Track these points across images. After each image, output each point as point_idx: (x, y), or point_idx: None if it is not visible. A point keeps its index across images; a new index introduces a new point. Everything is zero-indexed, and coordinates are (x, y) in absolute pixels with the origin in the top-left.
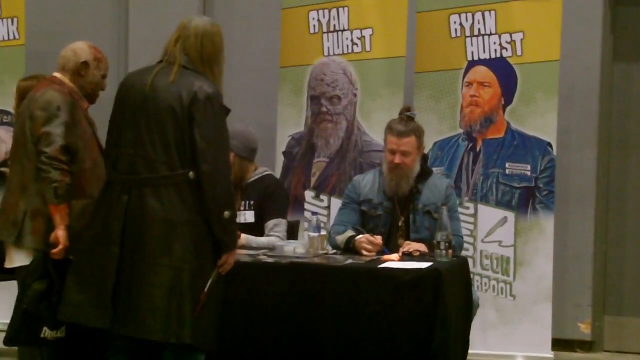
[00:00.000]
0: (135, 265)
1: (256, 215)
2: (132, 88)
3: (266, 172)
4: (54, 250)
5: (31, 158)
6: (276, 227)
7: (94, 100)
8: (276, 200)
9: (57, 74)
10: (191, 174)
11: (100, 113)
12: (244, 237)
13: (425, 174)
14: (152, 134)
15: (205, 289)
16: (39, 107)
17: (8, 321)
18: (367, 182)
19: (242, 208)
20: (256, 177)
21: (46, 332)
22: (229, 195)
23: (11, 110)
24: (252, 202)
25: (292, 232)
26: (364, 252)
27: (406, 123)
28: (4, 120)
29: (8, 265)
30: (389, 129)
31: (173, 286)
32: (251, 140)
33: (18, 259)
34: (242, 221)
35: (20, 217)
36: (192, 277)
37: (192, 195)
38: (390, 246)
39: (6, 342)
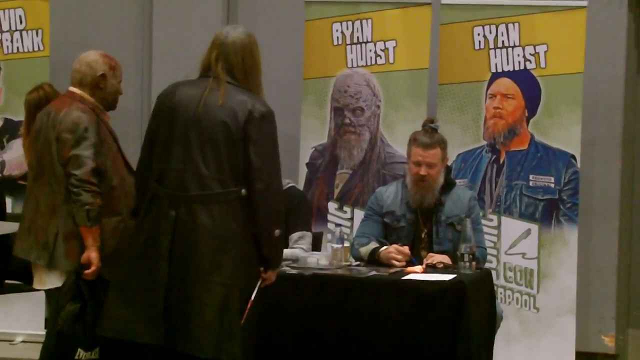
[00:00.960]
0: (185, 282)
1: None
2: (181, 102)
3: (290, 184)
4: (86, 272)
5: (60, 180)
6: (301, 239)
7: (115, 107)
8: (301, 212)
9: (75, 90)
10: (243, 191)
11: (122, 121)
12: None
13: (448, 185)
14: (205, 150)
15: (249, 304)
16: (65, 129)
17: (30, 331)
18: (389, 194)
19: None
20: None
21: (81, 354)
22: (280, 213)
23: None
24: None
25: (315, 244)
26: (394, 263)
27: (431, 135)
28: None
29: (39, 286)
30: (414, 140)
31: (224, 303)
32: None
33: (50, 281)
34: None
35: (51, 240)
36: (241, 294)
37: (242, 212)
38: (413, 257)
39: None
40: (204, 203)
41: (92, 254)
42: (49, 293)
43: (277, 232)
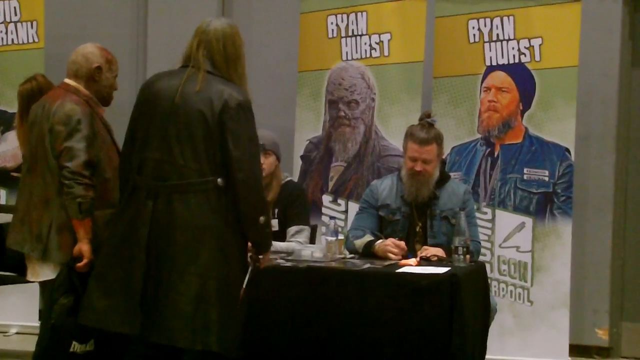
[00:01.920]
0: (161, 272)
1: (280, 223)
2: (159, 93)
3: (288, 178)
4: (79, 264)
5: (53, 172)
6: (298, 233)
7: (109, 102)
8: (299, 206)
9: (70, 82)
10: (220, 180)
11: (117, 114)
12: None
13: (443, 179)
14: (182, 140)
15: (241, 293)
16: (59, 121)
17: (24, 323)
18: (385, 187)
19: None
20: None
21: (76, 347)
22: (263, 201)
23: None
24: (276, 210)
25: (310, 237)
26: (390, 256)
27: (427, 130)
28: None
29: (33, 279)
30: (410, 135)
31: (200, 293)
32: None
33: (44, 273)
34: None
35: (45, 232)
36: (218, 284)
37: (219, 202)
38: (408, 251)
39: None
40: (181, 193)
41: (83, 247)
42: (43, 285)
43: (262, 219)
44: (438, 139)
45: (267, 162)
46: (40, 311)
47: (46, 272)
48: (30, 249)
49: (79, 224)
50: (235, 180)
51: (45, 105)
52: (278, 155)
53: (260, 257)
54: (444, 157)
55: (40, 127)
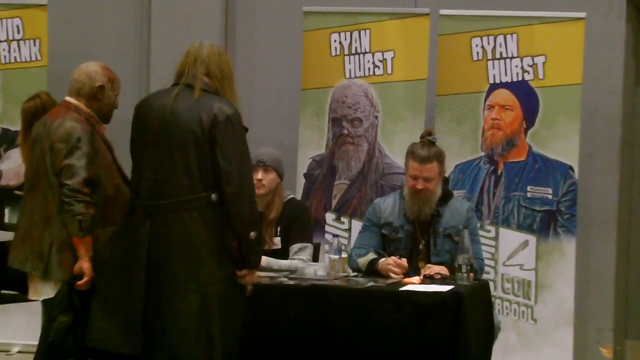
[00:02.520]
0: (162, 291)
1: (282, 241)
2: (151, 112)
3: (290, 196)
4: (79, 282)
5: (54, 190)
6: (301, 251)
7: (109, 120)
8: (302, 224)
9: (71, 100)
10: (213, 196)
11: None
12: (265, 259)
13: (446, 197)
14: (174, 157)
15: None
16: (59, 139)
17: (27, 342)
18: (387, 205)
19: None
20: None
21: None
22: (255, 215)
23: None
24: (279, 228)
25: (313, 255)
26: (391, 275)
27: (428, 148)
28: None
29: (35, 297)
30: (411, 154)
31: (201, 310)
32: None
33: (45, 291)
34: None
35: (46, 250)
36: (219, 300)
37: (214, 217)
38: (410, 269)
39: None
40: (175, 211)
41: (84, 264)
42: (45, 303)
43: (252, 234)
44: (439, 157)
45: (267, 179)
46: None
47: (47, 291)
48: (32, 267)
49: (80, 241)
50: (225, 195)
51: (47, 122)
52: (280, 173)
53: (245, 273)
54: (446, 174)
55: (41, 145)
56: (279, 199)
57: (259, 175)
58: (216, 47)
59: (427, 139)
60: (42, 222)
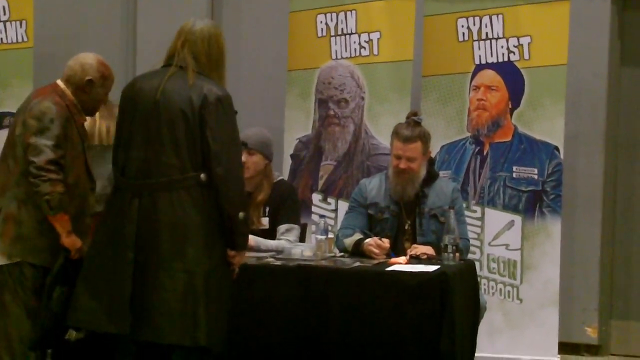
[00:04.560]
0: (148, 270)
1: (270, 222)
2: (140, 92)
3: (279, 177)
4: (71, 256)
5: (18, 162)
6: (288, 232)
7: (93, 113)
8: (289, 205)
9: (60, 83)
10: (202, 176)
11: None
12: (253, 239)
13: (431, 177)
14: (163, 137)
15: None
16: (33, 115)
17: None
18: (373, 186)
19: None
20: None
21: (72, 334)
22: (243, 196)
23: None
24: (267, 209)
25: (299, 236)
26: (372, 255)
27: (412, 128)
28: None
29: None
30: (395, 134)
31: (187, 290)
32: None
33: None
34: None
35: None
36: (205, 280)
37: (203, 197)
38: (397, 250)
39: (33, 346)
40: (165, 190)
41: (65, 241)
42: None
43: (241, 215)
44: (423, 137)
45: (250, 161)
46: None
47: None
48: None
49: (53, 219)
50: (214, 175)
51: (29, 98)
52: (266, 155)
53: (234, 254)
54: (432, 155)
55: (17, 118)
56: (267, 181)
57: (243, 157)
58: (207, 30)
59: (412, 119)
60: None
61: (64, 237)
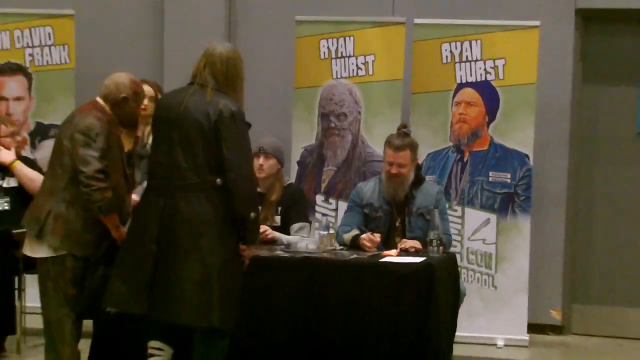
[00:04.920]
0: (169, 260)
1: (282, 220)
2: (168, 107)
3: (289, 182)
4: (118, 243)
5: (65, 169)
6: (301, 229)
7: (131, 127)
8: (299, 206)
9: (99, 100)
10: (218, 180)
11: None
12: (274, 234)
13: (419, 181)
14: (183, 146)
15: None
16: (79, 130)
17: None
18: (369, 189)
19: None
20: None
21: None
22: (253, 198)
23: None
24: (279, 209)
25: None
26: (365, 249)
27: (403, 138)
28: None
29: (29, 253)
30: (388, 143)
31: (202, 278)
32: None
33: (40, 251)
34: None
35: (43, 216)
36: (219, 270)
37: (218, 198)
38: (388, 244)
39: (78, 317)
40: (184, 192)
41: (114, 233)
42: (39, 263)
43: (252, 215)
44: (412, 146)
45: (267, 164)
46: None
47: (40, 251)
48: (29, 227)
49: (104, 220)
50: (228, 180)
51: (74, 114)
52: (280, 159)
53: (244, 248)
54: (419, 162)
55: (64, 130)
56: (279, 183)
57: (260, 160)
58: (226, 53)
59: (402, 130)
60: (47, 193)
61: (114, 231)
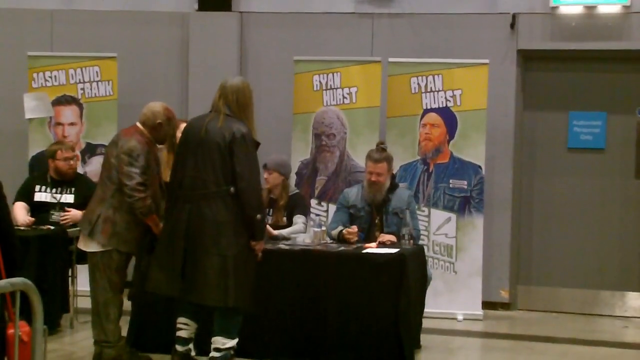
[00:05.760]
0: (195, 254)
1: (287, 219)
2: (192, 130)
3: (296, 191)
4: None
5: (113, 181)
6: (299, 219)
7: (164, 143)
8: (300, 207)
9: (139, 125)
10: (232, 189)
11: None
12: (277, 231)
13: (393, 187)
14: (206, 162)
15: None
16: (124, 151)
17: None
18: (353, 193)
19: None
20: (290, 194)
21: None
22: (260, 203)
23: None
24: (285, 212)
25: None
26: (348, 239)
27: (380, 153)
28: (102, 152)
29: (83, 247)
30: (369, 156)
31: (221, 267)
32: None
33: (90, 246)
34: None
35: (94, 219)
36: (234, 261)
37: (233, 204)
38: (369, 237)
39: (130, 297)
40: (206, 199)
41: (155, 229)
42: (90, 255)
43: (258, 216)
44: (388, 159)
45: (270, 177)
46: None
47: (92, 246)
48: (83, 227)
49: (146, 220)
50: (239, 189)
51: (119, 136)
52: (281, 172)
53: (254, 243)
54: (394, 172)
55: (111, 150)
56: (285, 192)
57: (265, 175)
58: (236, 84)
59: (380, 146)
60: (98, 200)
61: (155, 229)
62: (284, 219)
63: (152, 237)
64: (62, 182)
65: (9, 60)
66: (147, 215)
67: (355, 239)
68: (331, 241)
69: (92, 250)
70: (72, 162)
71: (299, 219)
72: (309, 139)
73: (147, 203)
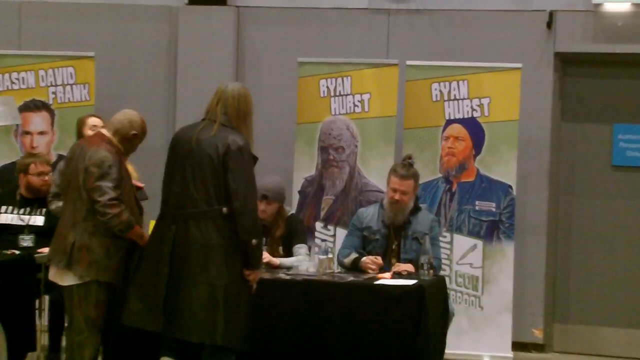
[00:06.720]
0: (180, 281)
1: (285, 249)
2: (181, 140)
3: (291, 212)
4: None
5: (83, 201)
6: (300, 249)
7: (129, 154)
8: (299, 233)
9: (105, 132)
10: (225, 209)
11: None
12: (279, 260)
13: (416, 209)
14: (195, 177)
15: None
16: (93, 164)
17: None
18: (369, 213)
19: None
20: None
21: None
22: (256, 226)
23: None
24: (282, 242)
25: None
26: (369, 271)
27: (408, 169)
28: None
29: (58, 282)
30: (394, 171)
31: (209, 299)
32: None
33: (67, 279)
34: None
35: (68, 248)
36: (224, 291)
37: (225, 226)
38: (384, 264)
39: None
40: (195, 219)
41: (140, 242)
42: (66, 289)
43: (254, 241)
44: (415, 177)
45: (269, 209)
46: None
47: (69, 279)
48: (58, 260)
49: (129, 236)
50: (233, 209)
51: (83, 147)
52: (281, 201)
53: (249, 272)
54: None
55: (76, 165)
56: (282, 220)
57: (262, 206)
58: (237, 90)
59: (408, 161)
60: (69, 226)
61: (140, 242)
62: (280, 248)
63: (95, 275)
64: (33, 200)
65: None
66: (127, 232)
67: (377, 271)
68: (339, 270)
69: (68, 284)
70: (46, 177)
71: (300, 249)
72: (314, 153)
73: (124, 218)
